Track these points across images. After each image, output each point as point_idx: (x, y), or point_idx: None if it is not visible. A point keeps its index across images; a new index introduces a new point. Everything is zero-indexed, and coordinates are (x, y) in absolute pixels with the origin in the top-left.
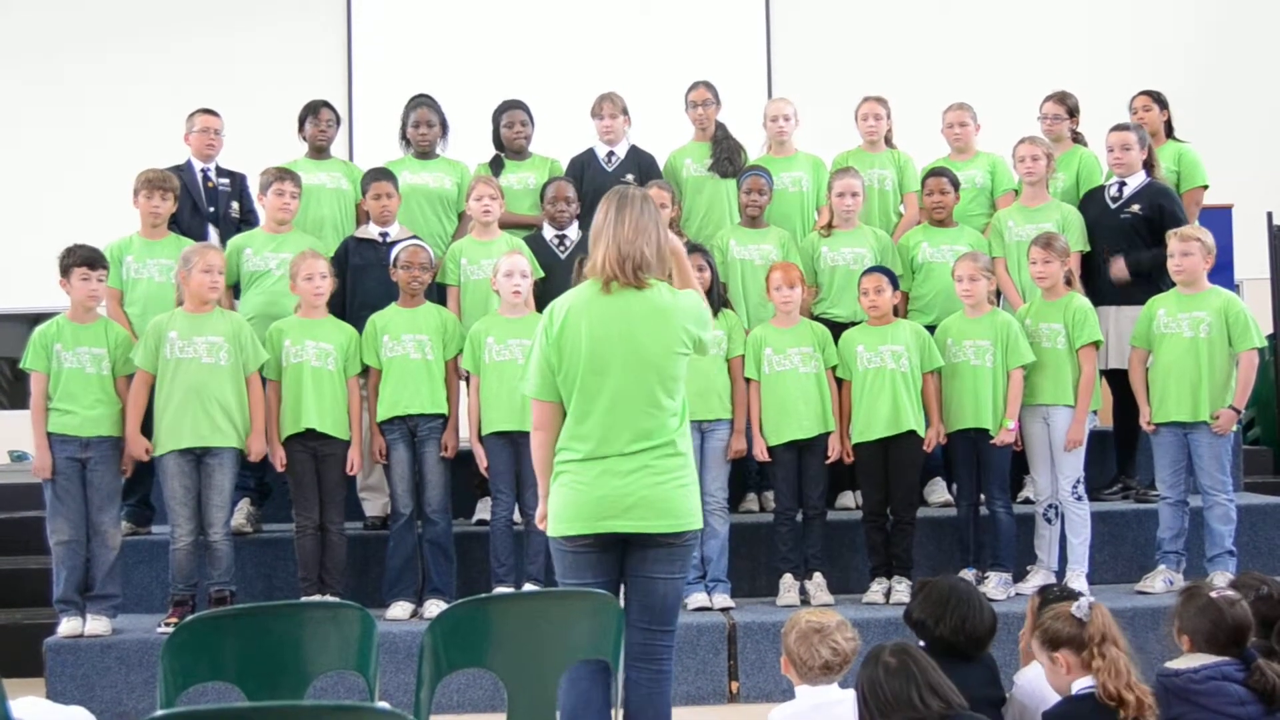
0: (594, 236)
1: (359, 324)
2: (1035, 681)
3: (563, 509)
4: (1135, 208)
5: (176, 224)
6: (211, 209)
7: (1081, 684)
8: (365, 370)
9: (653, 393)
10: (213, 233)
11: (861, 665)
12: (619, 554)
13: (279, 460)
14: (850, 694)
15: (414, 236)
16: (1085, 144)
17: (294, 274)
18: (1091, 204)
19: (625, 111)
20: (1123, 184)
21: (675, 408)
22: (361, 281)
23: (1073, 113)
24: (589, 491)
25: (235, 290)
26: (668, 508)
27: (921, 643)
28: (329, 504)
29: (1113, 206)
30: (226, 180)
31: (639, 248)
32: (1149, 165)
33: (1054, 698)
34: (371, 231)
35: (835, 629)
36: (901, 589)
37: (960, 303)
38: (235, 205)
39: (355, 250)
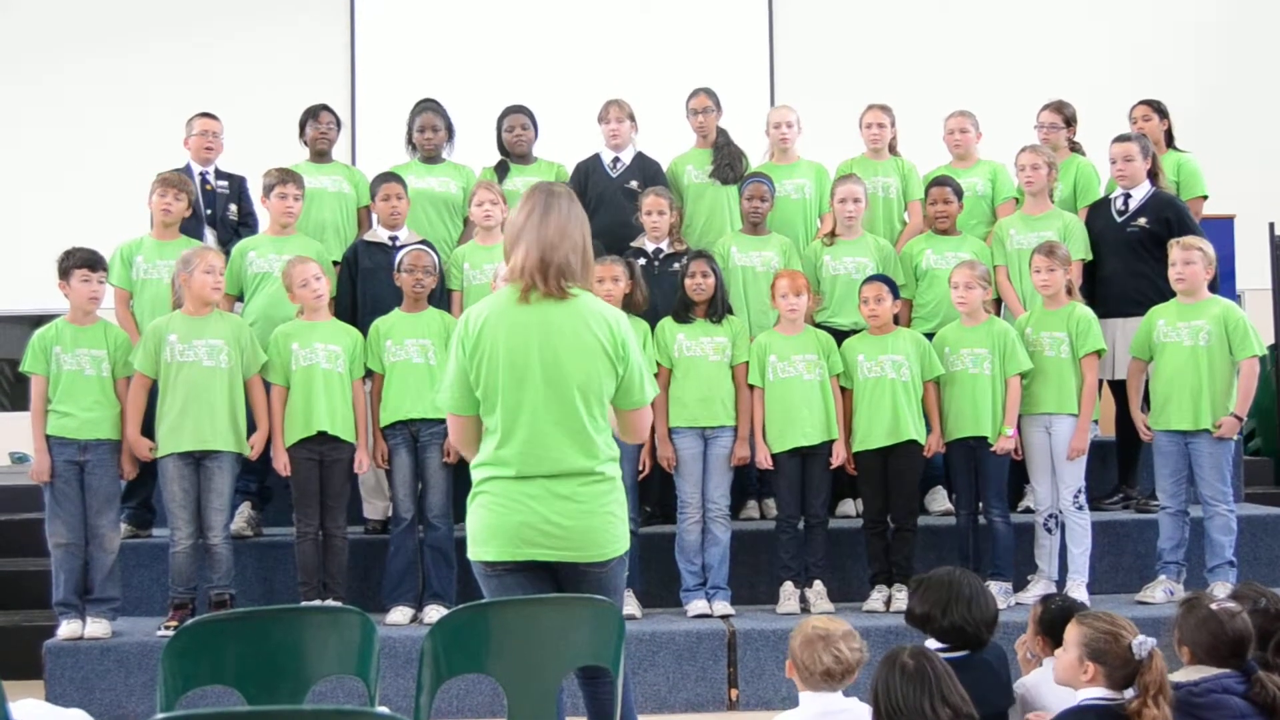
0: (512, 236)
1: (368, 327)
2: (1035, 689)
3: (482, 531)
4: (1142, 221)
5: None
6: (209, 211)
7: (1090, 694)
8: (368, 374)
9: (576, 410)
10: (210, 235)
11: (878, 665)
12: (549, 573)
13: (283, 465)
14: (853, 703)
15: (423, 241)
16: (1083, 153)
17: (289, 284)
18: (1097, 216)
19: (632, 117)
20: (1128, 196)
21: (603, 426)
22: (371, 285)
23: (1070, 122)
24: (509, 515)
25: (240, 297)
26: (593, 539)
27: (929, 640)
28: (332, 509)
29: (1119, 219)
30: (225, 183)
31: (564, 253)
32: (1153, 174)
33: (1055, 706)
34: (381, 235)
35: (841, 637)
36: (902, 597)
37: None
38: (233, 208)
39: (365, 254)
